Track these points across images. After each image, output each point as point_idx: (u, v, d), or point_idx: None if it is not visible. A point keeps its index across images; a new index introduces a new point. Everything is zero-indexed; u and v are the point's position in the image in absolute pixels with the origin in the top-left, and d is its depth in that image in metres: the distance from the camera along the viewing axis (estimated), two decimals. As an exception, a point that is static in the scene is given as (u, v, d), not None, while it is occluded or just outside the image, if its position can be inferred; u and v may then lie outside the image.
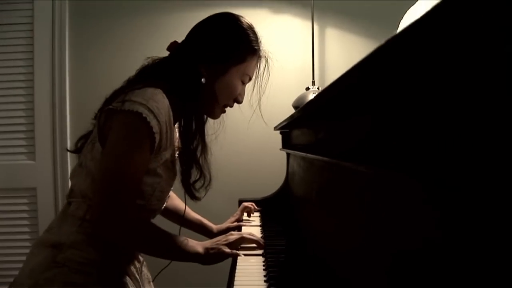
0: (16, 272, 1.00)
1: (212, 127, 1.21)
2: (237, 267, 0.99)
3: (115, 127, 0.95)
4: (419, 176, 0.43)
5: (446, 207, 0.38)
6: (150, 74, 1.09)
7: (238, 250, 1.09)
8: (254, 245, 1.13)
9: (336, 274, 0.77)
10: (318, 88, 1.80)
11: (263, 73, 1.23)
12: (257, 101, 1.24)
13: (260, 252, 1.10)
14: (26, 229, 2.26)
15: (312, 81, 1.87)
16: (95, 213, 0.95)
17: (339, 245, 0.76)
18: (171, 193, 1.37)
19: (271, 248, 1.13)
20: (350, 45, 2.18)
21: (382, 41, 0.38)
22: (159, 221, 1.29)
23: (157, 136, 0.95)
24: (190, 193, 1.13)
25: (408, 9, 1.03)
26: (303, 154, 1.14)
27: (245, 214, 1.52)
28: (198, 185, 1.13)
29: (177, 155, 1.17)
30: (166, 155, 1.02)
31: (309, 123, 1.17)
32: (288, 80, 2.17)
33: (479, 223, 0.32)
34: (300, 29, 2.20)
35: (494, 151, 0.30)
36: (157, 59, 1.14)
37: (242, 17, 1.19)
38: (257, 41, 1.18)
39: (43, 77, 2.26)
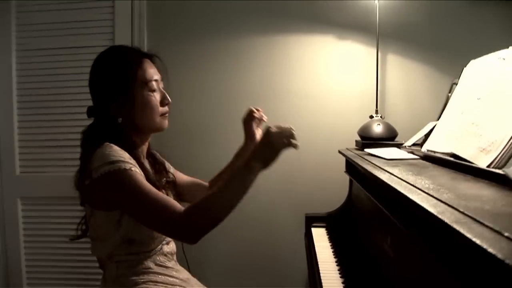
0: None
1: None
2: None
3: (110, 191, 1.09)
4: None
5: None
6: (91, 140, 1.19)
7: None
8: None
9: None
10: (381, 117, 1.91)
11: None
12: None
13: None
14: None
15: (376, 110, 1.97)
16: (175, 236, 1.14)
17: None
18: (199, 182, 1.56)
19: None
20: (410, 72, 2.22)
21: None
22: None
23: (135, 169, 1.08)
24: None
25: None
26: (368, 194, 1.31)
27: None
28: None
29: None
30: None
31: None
32: (350, 104, 2.25)
33: None
34: (364, 55, 2.25)
35: None
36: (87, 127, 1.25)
37: (113, 46, 1.28)
38: (134, 54, 1.23)
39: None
